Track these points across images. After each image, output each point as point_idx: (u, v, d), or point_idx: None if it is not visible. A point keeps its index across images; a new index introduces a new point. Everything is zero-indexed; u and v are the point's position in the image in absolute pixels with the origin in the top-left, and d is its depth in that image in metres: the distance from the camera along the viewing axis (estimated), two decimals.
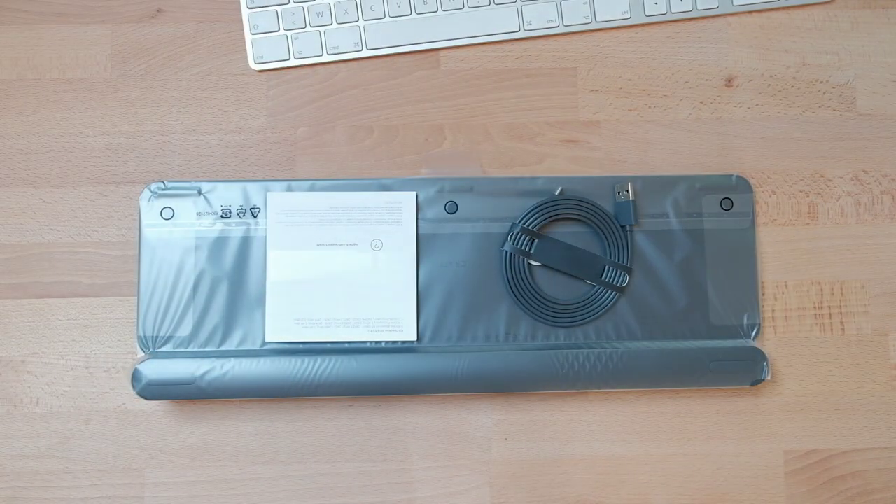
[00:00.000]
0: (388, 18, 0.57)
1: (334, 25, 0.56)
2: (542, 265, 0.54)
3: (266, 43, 0.56)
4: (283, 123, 0.56)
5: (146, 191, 0.54)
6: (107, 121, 0.56)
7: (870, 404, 0.55)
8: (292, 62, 0.56)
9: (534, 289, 0.54)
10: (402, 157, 0.56)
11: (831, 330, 0.56)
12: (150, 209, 0.54)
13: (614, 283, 0.54)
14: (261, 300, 0.53)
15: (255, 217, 0.54)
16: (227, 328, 0.53)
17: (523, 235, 0.53)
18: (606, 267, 0.54)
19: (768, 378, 0.53)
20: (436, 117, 0.57)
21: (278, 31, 0.56)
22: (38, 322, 0.54)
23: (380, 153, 0.56)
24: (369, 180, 0.54)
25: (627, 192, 0.54)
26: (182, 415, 0.54)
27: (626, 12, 0.57)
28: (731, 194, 0.55)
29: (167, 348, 0.53)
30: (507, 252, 0.53)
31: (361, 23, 0.56)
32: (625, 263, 0.54)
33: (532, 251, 0.54)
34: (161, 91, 0.56)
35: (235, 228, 0.54)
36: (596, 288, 0.54)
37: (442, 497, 0.54)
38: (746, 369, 0.53)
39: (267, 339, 0.53)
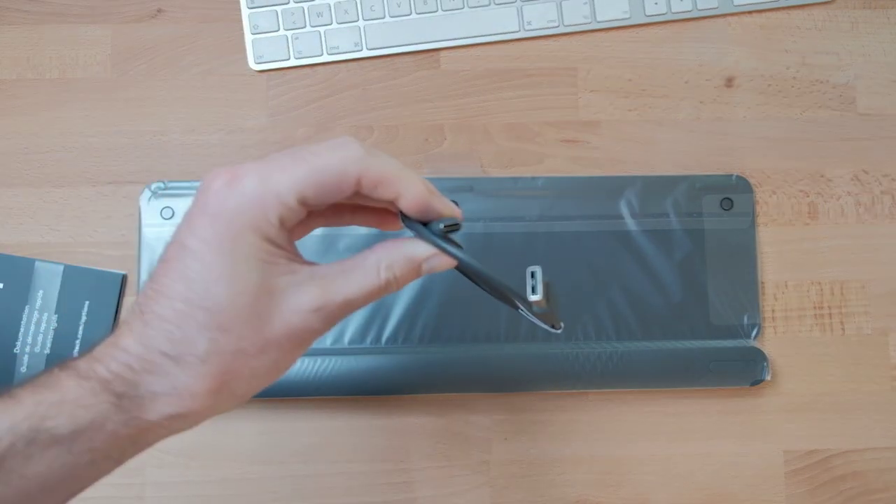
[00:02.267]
0: (388, 18, 0.57)
1: (334, 25, 0.56)
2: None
3: (266, 43, 0.56)
4: (283, 123, 0.56)
5: (146, 191, 0.54)
6: (107, 121, 0.56)
7: (870, 404, 0.55)
8: (292, 62, 0.56)
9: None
10: (402, 157, 0.56)
11: (831, 330, 0.56)
12: (150, 209, 0.54)
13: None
14: None
15: None
16: None
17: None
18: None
19: (768, 378, 0.53)
20: (436, 117, 0.57)
21: (278, 31, 0.56)
22: None
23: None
24: None
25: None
26: None
27: (626, 12, 0.57)
28: (731, 194, 0.55)
29: None
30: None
31: (361, 23, 0.56)
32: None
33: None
34: (161, 91, 0.56)
35: None
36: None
37: (442, 497, 0.54)
38: (746, 369, 0.53)
39: None
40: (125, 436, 0.30)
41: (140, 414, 0.30)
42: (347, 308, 0.32)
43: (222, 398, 0.31)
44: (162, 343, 0.30)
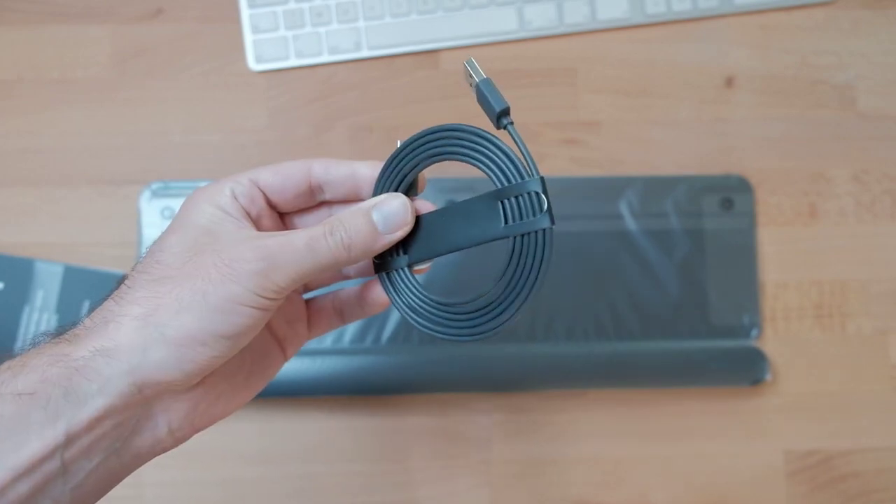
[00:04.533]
0: (388, 18, 0.57)
1: (334, 25, 0.56)
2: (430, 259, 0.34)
3: (266, 43, 0.56)
4: (283, 123, 0.56)
5: (146, 191, 0.54)
6: (107, 121, 0.56)
7: (870, 404, 0.55)
8: (292, 62, 0.56)
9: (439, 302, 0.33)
10: None
11: (831, 330, 0.56)
12: (150, 209, 0.54)
13: (529, 216, 0.30)
14: None
15: None
16: None
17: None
18: (506, 201, 0.31)
19: (768, 378, 0.53)
20: (436, 117, 0.57)
21: (278, 31, 0.56)
22: None
23: (380, 153, 0.56)
24: None
25: (473, 74, 0.34)
26: None
27: (626, 12, 0.57)
28: (731, 194, 0.55)
29: None
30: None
31: (361, 23, 0.56)
32: (529, 174, 0.31)
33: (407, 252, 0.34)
34: (161, 91, 0.56)
35: None
36: (512, 249, 0.31)
37: (442, 497, 0.54)
38: (746, 369, 0.53)
39: None
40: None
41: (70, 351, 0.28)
42: (290, 271, 0.30)
43: (149, 334, 0.28)
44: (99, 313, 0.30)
